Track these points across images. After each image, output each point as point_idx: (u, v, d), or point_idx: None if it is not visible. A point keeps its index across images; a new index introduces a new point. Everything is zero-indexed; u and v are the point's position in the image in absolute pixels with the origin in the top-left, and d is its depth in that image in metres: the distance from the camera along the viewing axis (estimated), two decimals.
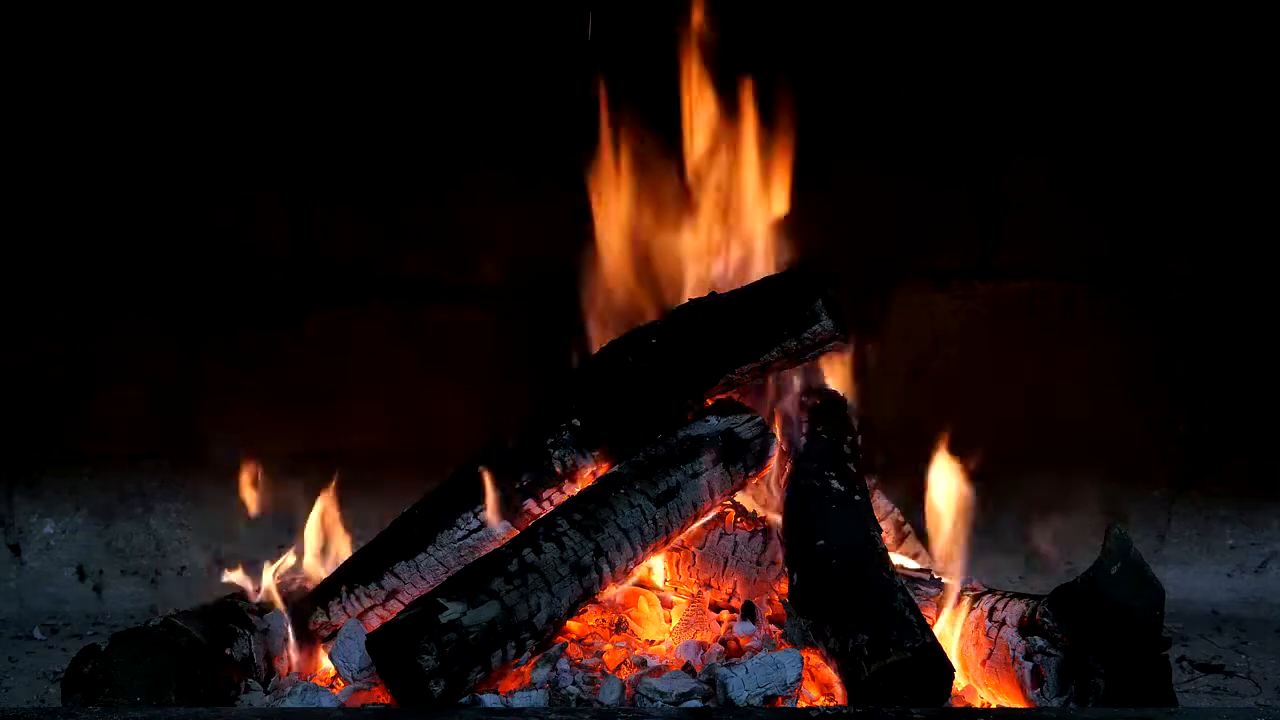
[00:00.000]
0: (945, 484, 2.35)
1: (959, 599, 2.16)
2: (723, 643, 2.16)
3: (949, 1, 2.97)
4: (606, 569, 2.10)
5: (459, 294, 3.09)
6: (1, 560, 3.07)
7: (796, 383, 2.53)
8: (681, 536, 2.28)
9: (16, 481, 3.10)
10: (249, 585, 2.26)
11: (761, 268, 2.52)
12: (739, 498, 2.39)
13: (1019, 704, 1.98)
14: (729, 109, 2.59)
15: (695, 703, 1.93)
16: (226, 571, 2.31)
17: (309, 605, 2.24)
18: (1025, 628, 2.00)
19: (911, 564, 2.42)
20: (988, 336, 3.11)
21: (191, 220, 3.04)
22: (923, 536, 2.48)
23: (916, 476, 2.46)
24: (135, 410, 3.07)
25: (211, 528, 3.09)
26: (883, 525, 2.30)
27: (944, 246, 3.11)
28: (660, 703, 1.94)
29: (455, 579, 2.02)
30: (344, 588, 2.25)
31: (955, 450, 2.44)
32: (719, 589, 2.32)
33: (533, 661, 2.02)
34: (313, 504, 2.40)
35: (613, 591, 2.22)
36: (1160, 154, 3.04)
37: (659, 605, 2.29)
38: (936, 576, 2.28)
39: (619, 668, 2.09)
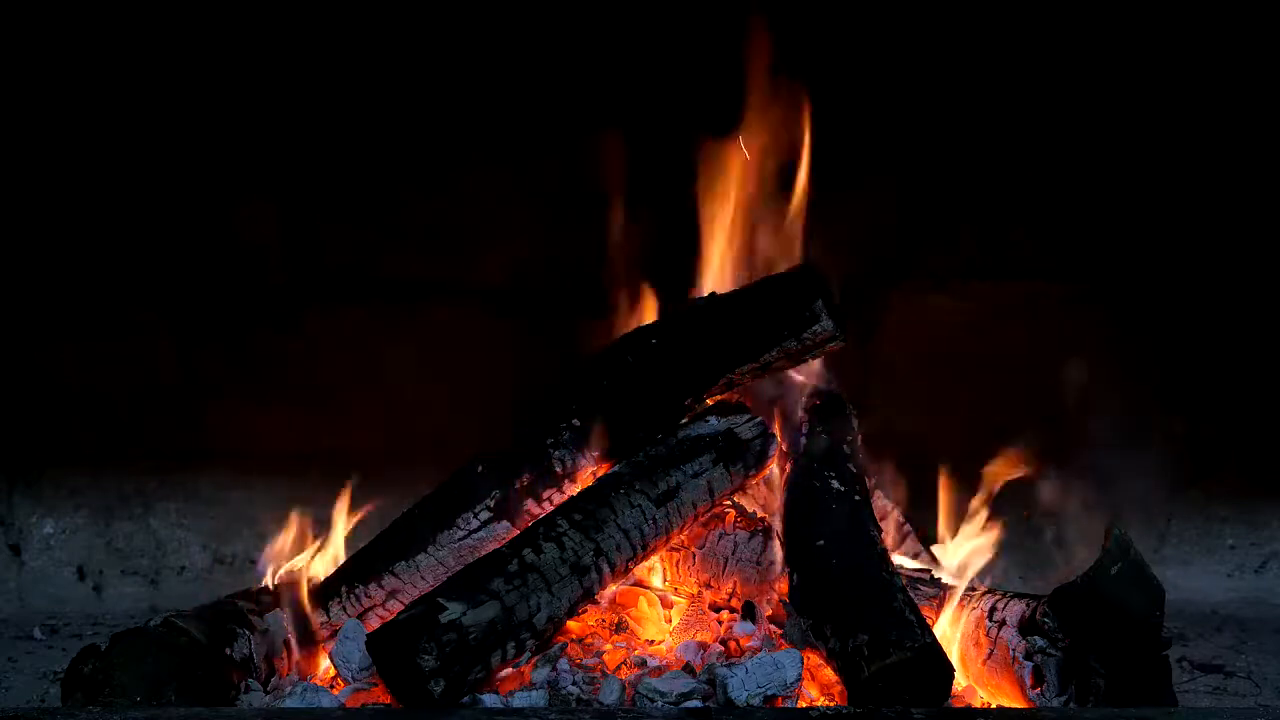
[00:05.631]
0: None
1: (959, 599, 2.16)
2: (723, 643, 2.16)
3: (950, 7, 2.98)
4: (606, 569, 2.10)
5: (459, 294, 3.08)
6: (1, 560, 3.07)
7: (797, 383, 2.53)
8: (681, 536, 2.28)
9: (16, 481, 3.10)
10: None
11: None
12: (739, 498, 2.39)
13: (1019, 704, 1.98)
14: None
15: (695, 703, 1.93)
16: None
17: (309, 605, 2.24)
18: (1025, 628, 2.00)
19: (911, 564, 2.42)
20: (988, 337, 3.11)
21: (191, 221, 3.03)
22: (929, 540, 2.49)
23: (917, 476, 2.45)
24: (135, 410, 3.07)
25: (211, 528, 3.09)
26: (883, 525, 2.30)
27: (944, 247, 3.11)
28: (660, 703, 1.93)
29: (455, 579, 2.02)
30: (344, 588, 2.25)
31: (958, 452, 2.44)
32: (719, 589, 2.32)
33: (533, 661, 2.02)
34: (312, 504, 2.40)
35: (612, 591, 2.22)
36: (1160, 156, 3.03)
37: (659, 605, 2.28)
38: (936, 577, 2.28)
39: (619, 668, 2.09)
